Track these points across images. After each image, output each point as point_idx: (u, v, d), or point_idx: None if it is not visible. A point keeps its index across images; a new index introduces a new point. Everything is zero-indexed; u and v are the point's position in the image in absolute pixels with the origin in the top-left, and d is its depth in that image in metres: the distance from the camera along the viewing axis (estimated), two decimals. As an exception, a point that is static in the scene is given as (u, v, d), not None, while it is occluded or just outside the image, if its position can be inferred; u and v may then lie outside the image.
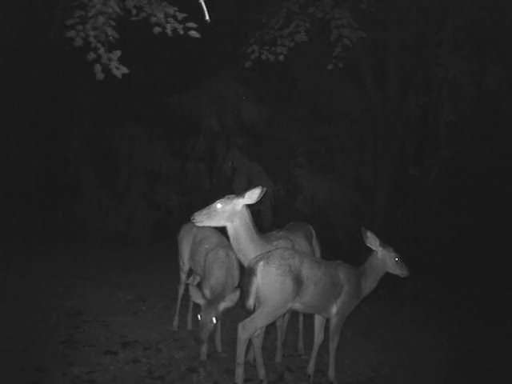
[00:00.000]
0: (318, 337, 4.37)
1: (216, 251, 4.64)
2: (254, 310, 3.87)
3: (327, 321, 4.32)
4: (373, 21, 8.35)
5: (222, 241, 4.76)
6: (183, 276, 5.28)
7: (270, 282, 3.75)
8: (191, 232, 5.14)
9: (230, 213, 4.03)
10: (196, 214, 4.05)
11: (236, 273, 4.66)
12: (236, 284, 4.64)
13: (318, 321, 4.38)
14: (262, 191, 4.06)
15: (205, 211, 4.04)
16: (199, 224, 4.09)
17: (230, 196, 4.10)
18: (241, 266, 4.40)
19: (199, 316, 4.28)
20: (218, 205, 4.03)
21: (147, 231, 10.33)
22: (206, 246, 4.79)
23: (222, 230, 4.83)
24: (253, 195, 4.05)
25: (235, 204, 4.04)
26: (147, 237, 10.19)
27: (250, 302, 3.80)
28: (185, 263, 5.19)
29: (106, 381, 3.94)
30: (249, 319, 3.82)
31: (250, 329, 3.80)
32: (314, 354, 4.38)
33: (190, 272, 5.31)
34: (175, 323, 5.25)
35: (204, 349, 4.51)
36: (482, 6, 7.82)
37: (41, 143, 10.64)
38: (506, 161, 8.88)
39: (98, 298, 6.03)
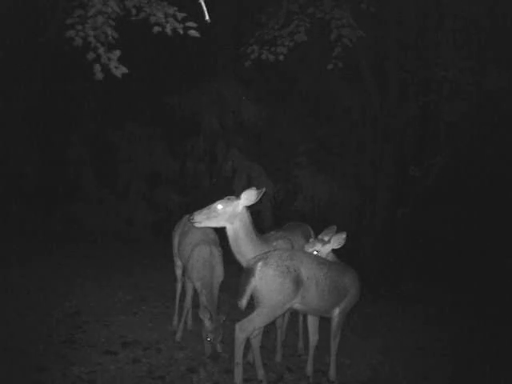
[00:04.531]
0: (313, 338, 4.37)
1: (200, 248, 4.68)
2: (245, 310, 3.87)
3: (328, 321, 4.33)
4: (373, 21, 8.34)
5: (206, 234, 4.82)
6: (178, 272, 5.29)
7: (268, 283, 3.74)
8: (180, 224, 5.21)
9: (230, 214, 4.01)
10: (196, 213, 4.03)
11: (220, 270, 4.70)
12: (220, 280, 4.68)
13: (312, 322, 4.38)
14: (259, 192, 4.06)
15: (204, 211, 4.02)
16: (198, 224, 4.07)
17: (230, 197, 4.08)
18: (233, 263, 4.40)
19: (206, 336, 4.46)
20: (219, 206, 4.00)
21: (147, 231, 10.33)
22: (190, 240, 4.82)
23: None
24: (251, 196, 4.04)
25: (236, 205, 4.02)
26: (147, 237, 10.19)
27: (243, 302, 3.79)
28: (177, 257, 5.22)
29: (106, 381, 3.94)
30: (246, 319, 3.81)
31: (248, 329, 3.79)
32: (310, 354, 4.39)
33: None
34: (175, 323, 5.25)
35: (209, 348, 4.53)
36: (482, 6, 7.82)
37: (41, 143, 10.63)
38: (506, 161, 8.88)
39: (98, 298, 6.03)
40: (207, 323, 4.43)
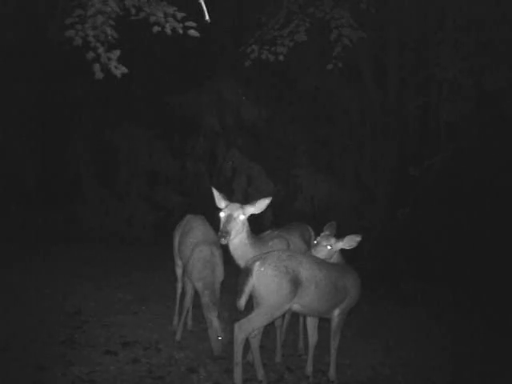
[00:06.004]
0: (313, 338, 4.37)
1: (201, 248, 4.67)
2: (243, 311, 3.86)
3: (328, 321, 4.32)
4: (373, 21, 8.34)
5: (207, 234, 4.81)
6: (179, 272, 5.27)
7: (266, 283, 3.73)
8: (181, 224, 5.20)
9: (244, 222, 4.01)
10: (224, 232, 3.85)
11: (220, 270, 4.71)
12: (220, 280, 4.69)
13: (311, 322, 4.38)
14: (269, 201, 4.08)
15: (231, 226, 3.88)
16: (227, 241, 3.91)
17: (236, 203, 4.04)
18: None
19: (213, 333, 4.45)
20: (241, 216, 3.94)
21: (147, 231, 10.34)
22: (191, 240, 4.81)
23: (209, 221, 4.89)
24: (263, 206, 4.04)
25: (248, 212, 4.02)
26: (147, 237, 10.19)
27: (242, 302, 3.78)
28: (177, 256, 5.21)
29: (106, 381, 3.94)
30: (246, 319, 3.80)
31: (247, 329, 3.79)
32: (310, 355, 4.38)
33: None
34: (175, 323, 5.24)
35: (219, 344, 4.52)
36: (482, 6, 7.82)
37: (41, 143, 10.64)
38: (506, 161, 8.88)
39: (98, 298, 6.02)
40: (216, 322, 4.41)
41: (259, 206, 4.03)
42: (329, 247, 4.17)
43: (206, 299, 4.52)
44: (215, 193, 4.14)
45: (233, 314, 4.68)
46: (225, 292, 4.89)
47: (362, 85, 9.59)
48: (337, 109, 10.29)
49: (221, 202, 4.09)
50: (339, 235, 4.28)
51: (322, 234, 4.30)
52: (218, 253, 4.71)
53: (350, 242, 4.19)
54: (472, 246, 8.96)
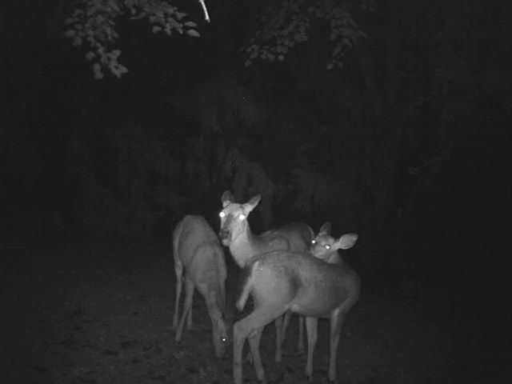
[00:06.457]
0: (312, 338, 4.37)
1: (203, 249, 4.66)
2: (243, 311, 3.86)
3: (327, 321, 4.32)
4: (373, 21, 8.33)
5: (209, 236, 4.81)
6: (178, 272, 5.27)
7: (265, 283, 3.73)
8: (181, 225, 5.19)
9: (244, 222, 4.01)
10: (224, 232, 3.87)
11: (224, 270, 4.70)
12: (224, 279, 4.69)
13: (310, 322, 4.38)
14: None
15: (231, 226, 3.89)
16: (229, 242, 3.92)
17: (235, 204, 4.04)
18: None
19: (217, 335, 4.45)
20: (241, 216, 3.95)
21: (147, 231, 10.33)
22: (192, 241, 4.81)
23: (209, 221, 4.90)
24: (257, 202, 4.07)
25: (246, 212, 4.02)
26: (147, 237, 10.19)
27: (241, 302, 3.78)
28: (177, 257, 5.21)
29: (106, 381, 3.94)
30: (245, 319, 3.81)
31: (246, 329, 3.79)
32: (310, 355, 4.38)
33: None
34: (175, 323, 5.24)
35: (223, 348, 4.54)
36: (482, 6, 7.82)
37: (41, 143, 10.63)
38: (505, 160, 8.88)
39: (98, 298, 6.02)
40: (221, 324, 4.41)
41: (255, 203, 4.06)
42: (327, 247, 4.17)
43: (212, 300, 4.50)
44: (226, 192, 4.19)
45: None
46: (227, 292, 4.90)
47: (362, 85, 9.58)
48: (337, 109, 10.28)
49: (224, 201, 4.11)
50: (339, 235, 4.28)
51: (320, 234, 4.30)
52: (220, 253, 4.70)
53: (347, 242, 4.19)
54: (472, 246, 8.97)
